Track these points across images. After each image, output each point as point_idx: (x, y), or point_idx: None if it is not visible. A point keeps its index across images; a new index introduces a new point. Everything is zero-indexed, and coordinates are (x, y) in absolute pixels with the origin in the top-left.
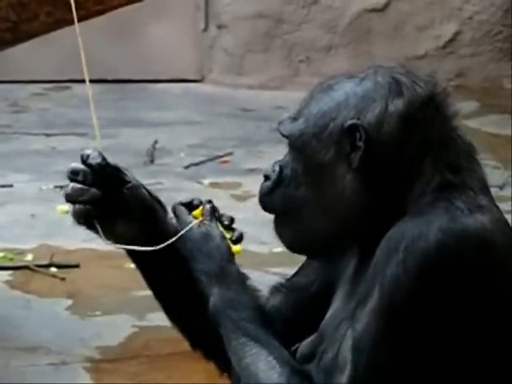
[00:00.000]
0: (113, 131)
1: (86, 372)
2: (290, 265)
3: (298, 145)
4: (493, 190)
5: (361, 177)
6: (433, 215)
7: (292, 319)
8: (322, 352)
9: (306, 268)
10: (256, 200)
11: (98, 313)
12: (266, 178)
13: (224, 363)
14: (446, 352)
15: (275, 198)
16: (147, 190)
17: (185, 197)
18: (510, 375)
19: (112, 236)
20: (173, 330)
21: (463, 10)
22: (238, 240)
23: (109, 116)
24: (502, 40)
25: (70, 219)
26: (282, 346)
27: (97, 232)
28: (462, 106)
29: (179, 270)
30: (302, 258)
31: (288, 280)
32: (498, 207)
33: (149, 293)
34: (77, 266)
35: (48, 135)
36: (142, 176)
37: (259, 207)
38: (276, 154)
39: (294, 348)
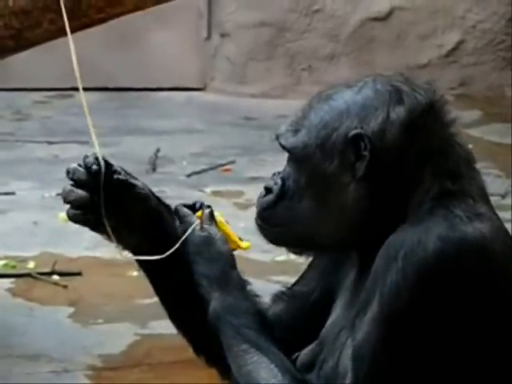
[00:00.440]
0: (115, 139)
1: (88, 380)
2: (292, 273)
3: (300, 157)
4: (495, 199)
5: (364, 185)
6: (432, 223)
7: (293, 327)
8: (323, 361)
9: (307, 276)
10: None
11: (100, 321)
12: (268, 190)
13: (226, 369)
14: (446, 359)
15: (278, 211)
16: (154, 195)
17: None
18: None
19: (117, 239)
20: (175, 339)
21: (466, 19)
22: None
23: (111, 124)
24: (505, 49)
25: (72, 227)
26: (283, 353)
27: (100, 233)
28: (465, 114)
29: (183, 273)
30: (304, 267)
31: (289, 288)
32: (497, 215)
33: (151, 301)
34: (79, 274)
35: (50, 143)
36: None
37: None
38: (278, 163)
39: (294, 356)
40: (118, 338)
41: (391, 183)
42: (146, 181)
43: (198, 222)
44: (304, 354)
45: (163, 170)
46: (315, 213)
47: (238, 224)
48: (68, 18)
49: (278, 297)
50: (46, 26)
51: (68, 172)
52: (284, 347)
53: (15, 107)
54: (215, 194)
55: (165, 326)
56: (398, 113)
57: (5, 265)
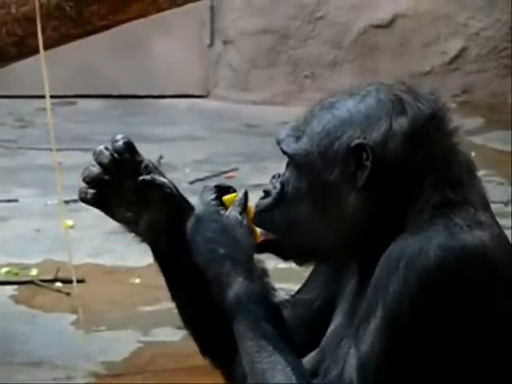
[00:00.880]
0: None
1: None
2: (295, 281)
3: (302, 164)
4: (497, 206)
5: (364, 195)
6: (432, 232)
7: (295, 335)
8: (326, 370)
9: (310, 284)
10: None
11: (102, 328)
12: (266, 193)
13: (231, 373)
14: (450, 367)
15: (275, 214)
16: (179, 193)
17: None
18: None
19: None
20: (178, 346)
21: (469, 27)
22: None
23: (114, 131)
24: (508, 56)
25: (74, 234)
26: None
27: (108, 213)
28: (468, 122)
29: (199, 269)
30: (307, 275)
31: (292, 296)
32: (498, 223)
33: (154, 308)
34: (82, 281)
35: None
36: None
37: None
38: (281, 170)
39: None
40: (120, 345)
41: (392, 193)
42: None
43: (211, 196)
44: (306, 361)
45: None
46: (313, 220)
47: None
48: (72, 25)
49: (281, 304)
50: (48, 33)
51: (94, 152)
52: None
53: (18, 114)
54: None
55: (168, 334)
56: (401, 123)
57: (7, 272)
